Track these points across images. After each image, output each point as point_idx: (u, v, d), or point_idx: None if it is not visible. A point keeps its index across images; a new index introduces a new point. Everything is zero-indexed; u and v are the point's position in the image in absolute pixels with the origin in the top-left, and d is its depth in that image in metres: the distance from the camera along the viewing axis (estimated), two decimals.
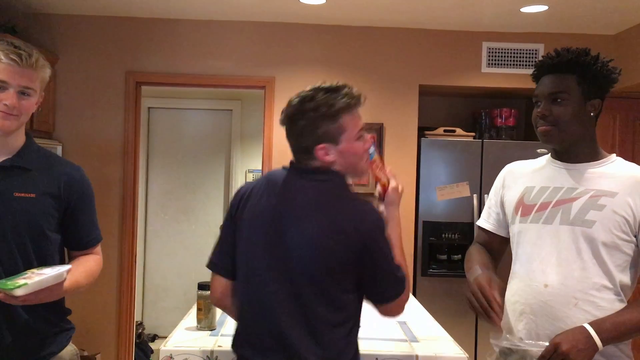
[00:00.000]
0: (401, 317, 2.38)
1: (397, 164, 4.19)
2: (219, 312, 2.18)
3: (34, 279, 1.53)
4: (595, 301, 1.64)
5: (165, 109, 5.54)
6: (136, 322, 4.43)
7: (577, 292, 1.65)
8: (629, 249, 1.66)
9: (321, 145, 1.59)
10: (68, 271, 1.65)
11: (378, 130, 4.17)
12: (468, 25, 4.09)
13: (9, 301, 1.52)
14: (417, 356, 1.90)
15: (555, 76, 1.72)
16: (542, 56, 1.78)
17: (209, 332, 2.07)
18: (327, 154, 1.59)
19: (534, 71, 1.80)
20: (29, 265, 1.68)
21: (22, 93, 1.68)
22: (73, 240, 1.85)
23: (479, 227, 2.01)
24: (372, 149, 1.71)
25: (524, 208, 1.80)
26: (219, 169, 5.50)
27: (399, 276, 1.57)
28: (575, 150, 1.75)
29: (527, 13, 3.76)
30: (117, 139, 4.04)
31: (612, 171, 1.72)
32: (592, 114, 1.73)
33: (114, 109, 4.06)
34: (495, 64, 4.21)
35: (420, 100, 4.26)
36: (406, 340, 2.06)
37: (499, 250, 1.97)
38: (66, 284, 1.66)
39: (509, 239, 1.91)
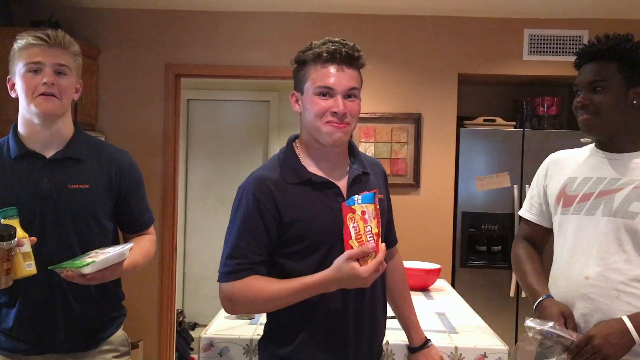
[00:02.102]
0: (440, 309, 2.37)
1: (436, 154, 4.15)
2: None
3: (100, 257, 1.58)
4: (638, 293, 1.60)
5: (204, 100, 5.60)
6: (177, 310, 4.52)
7: (619, 284, 1.62)
8: None
9: (292, 91, 1.60)
10: (130, 249, 1.69)
11: (416, 120, 4.13)
12: (509, 12, 4.00)
13: (76, 280, 1.57)
14: (456, 347, 1.89)
15: (595, 64, 1.68)
16: (583, 44, 1.74)
17: (248, 321, 2.10)
18: (296, 102, 1.59)
19: (576, 59, 1.76)
20: None
21: (58, 73, 1.69)
22: (127, 223, 1.90)
23: (522, 217, 1.97)
24: (363, 197, 1.45)
25: (566, 199, 1.76)
26: (257, 159, 5.54)
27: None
28: (618, 139, 1.71)
29: None
30: (158, 130, 4.11)
31: None
32: (635, 102, 1.67)
33: (154, 101, 4.12)
34: (537, 51, 4.11)
35: (459, 89, 4.19)
36: (445, 332, 2.05)
37: (542, 241, 1.94)
38: (125, 263, 1.69)
39: (552, 229, 1.88)
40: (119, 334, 1.90)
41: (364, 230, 1.41)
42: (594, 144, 1.82)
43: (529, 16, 4.07)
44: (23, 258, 1.53)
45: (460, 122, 4.19)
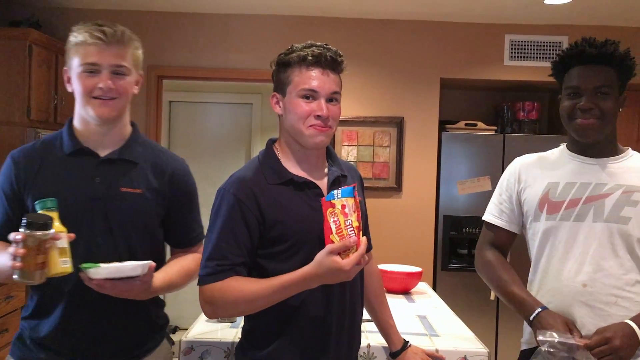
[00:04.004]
0: (421, 312, 2.38)
1: (418, 158, 4.17)
2: None
3: (109, 265, 1.46)
4: (633, 297, 1.63)
5: (187, 102, 5.57)
6: None
7: (616, 290, 1.63)
8: None
9: (273, 93, 1.60)
10: (148, 267, 1.48)
11: (399, 124, 4.15)
12: (491, 17, 4.05)
13: (87, 283, 1.44)
14: (437, 350, 1.89)
15: (596, 67, 1.67)
16: (571, 45, 1.72)
17: (230, 324, 2.09)
18: (277, 104, 1.59)
19: (561, 60, 1.74)
20: None
21: (116, 73, 1.58)
22: (174, 237, 1.75)
23: (488, 223, 1.92)
24: (342, 191, 1.44)
25: (551, 205, 1.74)
26: (240, 162, 5.52)
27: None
28: (601, 144, 1.72)
29: (551, 5, 3.71)
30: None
31: (635, 165, 1.71)
32: (620, 108, 1.71)
33: (136, 103, 4.05)
34: (518, 56, 4.16)
35: (441, 93, 4.23)
36: (426, 335, 2.05)
37: (509, 246, 1.91)
38: (158, 282, 1.55)
39: (516, 234, 1.88)
40: (165, 345, 1.77)
41: (345, 224, 1.40)
42: (563, 146, 1.82)
43: (510, 22, 4.12)
44: (59, 254, 1.41)
45: (442, 126, 4.22)
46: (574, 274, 1.67)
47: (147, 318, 1.71)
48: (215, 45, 4.11)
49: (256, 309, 1.52)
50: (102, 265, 1.43)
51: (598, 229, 1.66)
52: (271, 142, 1.65)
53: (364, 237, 1.43)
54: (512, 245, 1.91)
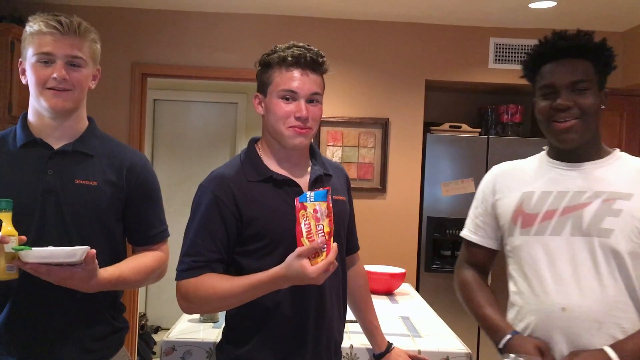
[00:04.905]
0: (404, 312, 2.39)
1: (403, 159, 4.18)
2: None
3: (42, 248, 1.37)
4: (620, 323, 1.45)
5: (171, 101, 5.54)
6: (139, 313, 4.45)
7: (600, 314, 1.45)
8: None
9: (256, 93, 1.61)
10: (86, 253, 1.37)
11: (384, 125, 4.16)
12: (476, 20, 4.07)
13: (21, 266, 1.36)
14: (419, 351, 1.90)
15: (571, 62, 1.51)
16: (540, 40, 1.57)
17: (212, 325, 2.08)
18: (259, 104, 1.60)
19: (531, 58, 1.59)
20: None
21: (71, 65, 1.55)
22: (134, 234, 1.69)
23: (465, 240, 1.78)
24: (315, 194, 1.41)
25: (525, 218, 1.57)
26: (224, 161, 5.49)
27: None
28: (582, 148, 1.54)
29: (535, 9, 3.74)
30: (123, 130, 4.05)
31: (621, 169, 1.53)
32: (603, 105, 1.53)
33: (119, 101, 4.06)
34: (502, 59, 4.19)
35: (426, 95, 4.24)
36: (409, 335, 2.06)
37: (489, 264, 1.75)
38: (106, 273, 1.47)
39: (496, 251, 1.73)
40: (122, 354, 1.69)
41: (316, 229, 1.38)
42: (543, 152, 1.67)
43: (495, 25, 4.15)
44: (5, 259, 1.34)
45: (427, 127, 4.23)
46: (554, 296, 1.49)
47: (104, 320, 1.63)
48: (201, 44, 4.09)
49: (229, 306, 1.53)
50: (35, 248, 1.35)
51: (577, 244, 1.48)
52: (253, 141, 1.66)
53: (335, 244, 1.40)
54: (492, 263, 1.75)
